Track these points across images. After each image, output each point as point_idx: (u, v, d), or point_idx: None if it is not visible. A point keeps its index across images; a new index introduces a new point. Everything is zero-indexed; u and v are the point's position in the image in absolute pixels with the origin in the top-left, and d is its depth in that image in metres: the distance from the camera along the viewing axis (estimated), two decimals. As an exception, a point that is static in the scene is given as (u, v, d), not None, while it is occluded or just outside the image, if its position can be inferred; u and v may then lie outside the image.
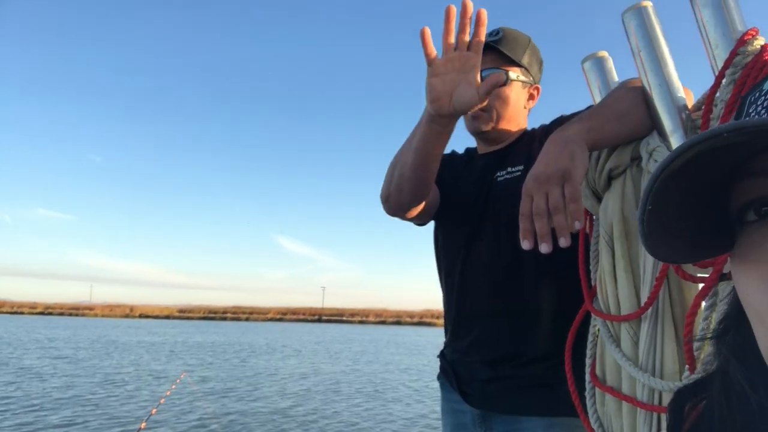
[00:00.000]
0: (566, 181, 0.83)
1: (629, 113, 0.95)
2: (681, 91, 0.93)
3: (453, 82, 1.05)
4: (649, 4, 0.95)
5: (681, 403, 0.39)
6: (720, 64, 0.77)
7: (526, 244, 0.85)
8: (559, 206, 0.82)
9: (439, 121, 1.12)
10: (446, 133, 1.18)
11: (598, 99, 1.11)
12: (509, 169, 1.41)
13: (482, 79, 1.39)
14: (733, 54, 0.75)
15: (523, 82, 1.44)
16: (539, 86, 1.52)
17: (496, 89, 1.40)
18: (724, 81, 0.76)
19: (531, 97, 1.50)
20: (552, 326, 1.33)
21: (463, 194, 1.49)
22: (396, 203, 1.37)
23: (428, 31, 1.02)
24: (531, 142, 1.45)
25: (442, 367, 1.57)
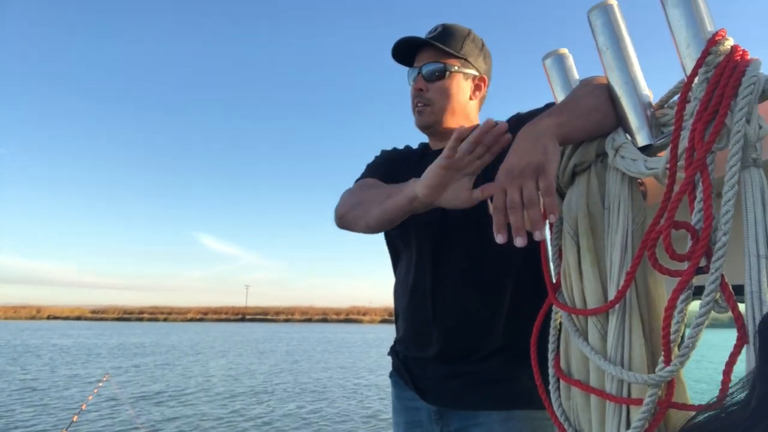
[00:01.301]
0: (540, 174, 0.83)
1: (597, 109, 0.97)
2: (646, 89, 0.95)
3: (453, 179, 1.03)
4: (614, 2, 0.96)
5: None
6: (691, 63, 0.79)
7: (500, 238, 0.84)
8: (533, 199, 0.82)
9: (421, 205, 1.13)
10: (421, 211, 1.18)
11: (559, 95, 1.12)
12: None
13: (421, 71, 1.42)
14: (705, 53, 0.77)
15: (464, 73, 1.46)
16: (486, 77, 1.54)
17: (436, 82, 1.42)
18: (697, 79, 0.78)
19: (477, 88, 1.52)
20: (509, 322, 1.35)
21: None
22: (349, 229, 1.40)
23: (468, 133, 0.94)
24: None
25: (394, 365, 1.55)
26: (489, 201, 1.33)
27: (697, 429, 0.34)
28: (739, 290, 0.75)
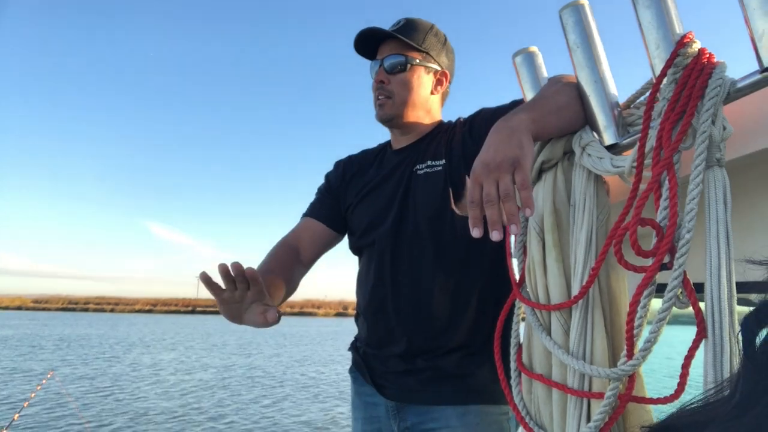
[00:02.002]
0: (516, 168, 0.83)
1: (567, 107, 0.98)
2: (614, 88, 0.97)
3: (239, 309, 1.16)
4: (585, 2, 0.97)
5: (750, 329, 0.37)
6: (660, 64, 0.80)
7: (476, 232, 0.83)
8: (510, 193, 0.82)
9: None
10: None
11: (528, 92, 1.13)
12: (429, 163, 1.42)
13: (383, 64, 1.42)
14: (674, 55, 0.78)
15: (425, 66, 1.47)
16: (448, 72, 1.55)
17: (398, 75, 1.43)
18: (665, 80, 0.79)
19: (439, 82, 1.53)
20: (468, 317, 1.36)
21: (378, 189, 1.50)
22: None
23: (207, 277, 1.10)
24: (450, 134, 1.46)
25: (354, 361, 1.56)
26: (452, 201, 1.35)
27: (679, 420, 0.34)
28: (698, 288, 0.77)
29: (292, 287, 1.45)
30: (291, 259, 1.49)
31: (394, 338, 1.41)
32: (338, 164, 1.67)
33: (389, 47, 1.47)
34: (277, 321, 1.15)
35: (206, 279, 1.10)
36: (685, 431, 0.33)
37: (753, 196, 0.89)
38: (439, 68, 1.51)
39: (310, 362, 15.70)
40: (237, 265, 1.10)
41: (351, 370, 1.58)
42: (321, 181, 1.70)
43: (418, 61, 1.46)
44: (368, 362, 1.48)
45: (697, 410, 0.35)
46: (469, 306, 1.36)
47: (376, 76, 1.47)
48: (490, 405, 1.34)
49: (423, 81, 1.48)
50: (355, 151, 1.70)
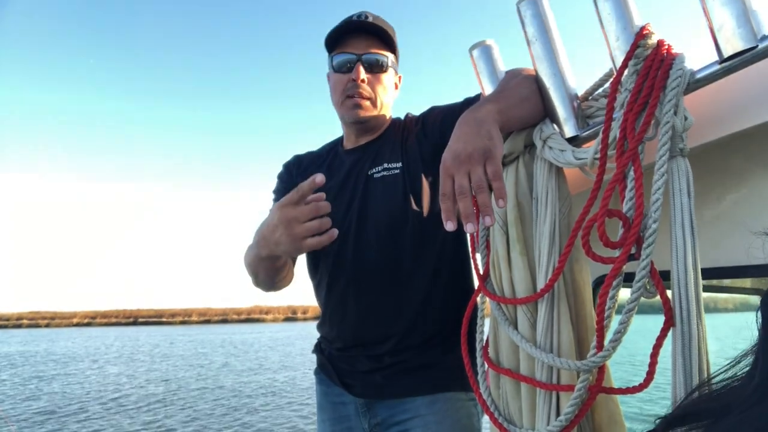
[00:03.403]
0: (488, 159, 0.82)
1: (528, 99, 0.98)
2: (573, 81, 0.97)
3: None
4: None
5: None
6: (621, 55, 0.81)
7: (450, 225, 0.82)
8: (482, 184, 0.80)
9: (267, 258, 1.21)
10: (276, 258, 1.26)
11: (486, 85, 1.12)
12: (386, 165, 1.40)
13: (363, 60, 1.37)
14: (634, 46, 0.79)
15: (394, 69, 1.46)
16: (401, 75, 1.54)
17: (378, 75, 1.39)
18: (626, 71, 0.80)
19: (396, 86, 1.52)
20: (433, 315, 1.36)
21: (333, 196, 1.44)
22: (272, 290, 1.46)
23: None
24: (404, 133, 1.44)
25: (319, 362, 1.54)
26: (413, 203, 1.33)
27: (696, 406, 0.33)
28: (664, 275, 0.78)
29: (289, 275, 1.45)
30: None
31: (358, 340, 1.40)
32: (288, 164, 1.62)
33: (367, 43, 1.37)
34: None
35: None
36: (705, 417, 0.32)
37: (712, 184, 0.91)
38: (397, 69, 1.49)
39: (265, 370, 15.38)
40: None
41: (316, 372, 1.56)
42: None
43: (391, 61, 1.42)
44: (334, 363, 1.47)
45: (715, 394, 0.34)
46: (432, 303, 1.36)
47: (355, 73, 1.36)
48: (459, 392, 1.36)
49: (392, 83, 1.46)
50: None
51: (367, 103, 1.39)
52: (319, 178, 1.01)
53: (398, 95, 1.54)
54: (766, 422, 0.27)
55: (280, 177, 1.61)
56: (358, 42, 1.38)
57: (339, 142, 1.57)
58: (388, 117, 1.50)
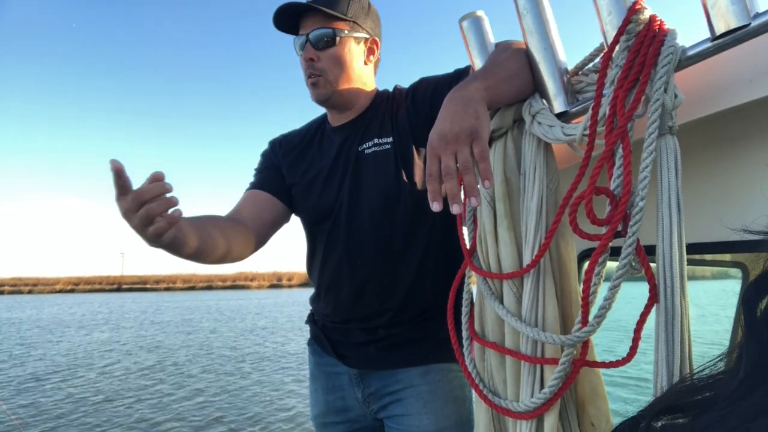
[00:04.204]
0: (474, 139, 0.81)
1: (518, 74, 0.96)
2: (563, 55, 0.96)
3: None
4: None
5: (752, 300, 0.36)
6: (613, 30, 0.80)
7: (436, 206, 0.81)
8: (469, 165, 0.80)
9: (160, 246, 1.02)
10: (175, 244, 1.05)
11: (476, 57, 1.11)
12: (376, 141, 1.38)
13: (310, 39, 1.34)
14: (626, 22, 0.78)
15: (355, 37, 1.40)
16: (377, 39, 1.48)
17: (327, 50, 1.34)
18: (618, 47, 0.79)
19: (370, 51, 1.46)
20: (425, 288, 1.38)
21: (325, 174, 1.44)
22: (233, 261, 1.30)
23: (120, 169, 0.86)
24: (393, 106, 1.42)
25: (313, 333, 1.57)
26: (404, 177, 1.32)
27: (679, 400, 0.34)
28: (648, 250, 0.79)
29: (224, 243, 1.23)
30: (228, 222, 1.31)
31: (353, 313, 1.42)
32: (273, 143, 1.58)
33: (313, 20, 1.35)
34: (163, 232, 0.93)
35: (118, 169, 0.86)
36: (689, 411, 0.33)
37: (700, 161, 0.91)
38: (368, 36, 1.43)
39: (260, 336, 15.44)
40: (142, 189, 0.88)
41: (309, 342, 1.58)
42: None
43: (346, 32, 1.37)
44: (328, 335, 1.49)
45: (699, 387, 0.34)
46: (425, 277, 1.37)
47: (304, 54, 1.36)
48: (452, 363, 1.38)
49: (354, 53, 1.40)
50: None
51: (322, 80, 1.36)
52: (157, 175, 0.90)
53: (377, 60, 1.49)
54: (752, 417, 0.27)
55: (264, 155, 1.58)
56: (307, 21, 1.37)
57: (324, 119, 1.54)
58: (366, 89, 1.45)
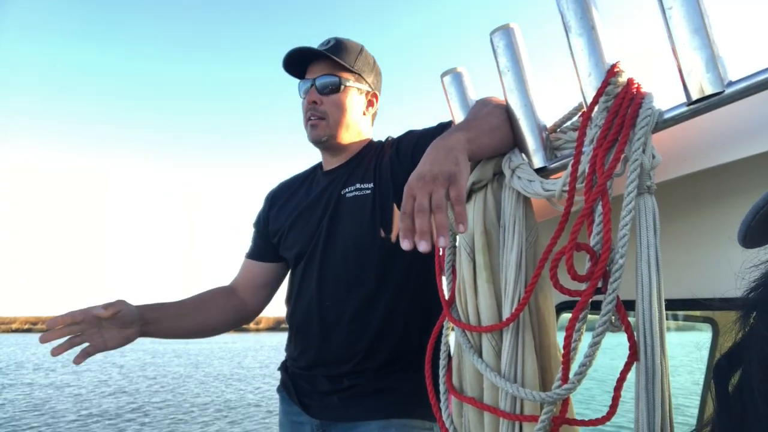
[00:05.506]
0: (451, 183, 0.82)
1: (499, 129, 0.98)
2: (542, 113, 0.98)
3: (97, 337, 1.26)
4: (516, 26, 0.99)
5: (723, 374, 0.36)
6: (592, 91, 0.82)
7: (406, 244, 0.81)
8: (441, 205, 0.80)
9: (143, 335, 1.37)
10: (168, 320, 1.43)
11: (456, 111, 1.13)
12: (358, 186, 1.43)
13: (316, 84, 1.41)
14: (605, 83, 0.80)
15: (357, 88, 1.47)
16: (378, 93, 1.57)
17: (331, 96, 1.41)
18: (597, 107, 0.81)
19: (370, 103, 1.55)
20: (394, 338, 1.36)
21: (306, 213, 1.49)
22: (213, 335, 1.60)
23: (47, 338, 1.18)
24: (378, 154, 1.47)
25: (282, 380, 1.56)
26: (380, 225, 1.34)
27: None
28: (627, 305, 0.79)
29: (208, 318, 1.52)
30: (216, 295, 1.57)
31: (319, 359, 1.41)
32: (267, 197, 1.68)
33: (321, 67, 1.45)
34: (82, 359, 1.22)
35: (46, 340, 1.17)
36: None
37: (674, 219, 0.93)
38: (369, 89, 1.53)
39: (228, 385, 14.91)
40: (62, 319, 1.18)
41: (279, 390, 1.57)
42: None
43: (350, 81, 1.46)
44: (295, 382, 1.48)
45: None
46: (395, 326, 1.36)
47: (308, 96, 1.45)
48: (415, 419, 1.35)
49: (355, 102, 1.49)
50: None
51: (323, 122, 1.45)
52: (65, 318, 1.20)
53: (375, 112, 1.59)
54: None
55: (258, 215, 1.69)
56: (316, 67, 1.47)
57: (320, 165, 1.61)
58: (360, 138, 1.53)
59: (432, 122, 1.42)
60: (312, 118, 1.45)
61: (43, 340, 1.15)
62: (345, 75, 1.46)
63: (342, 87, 1.44)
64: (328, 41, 1.47)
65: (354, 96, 1.48)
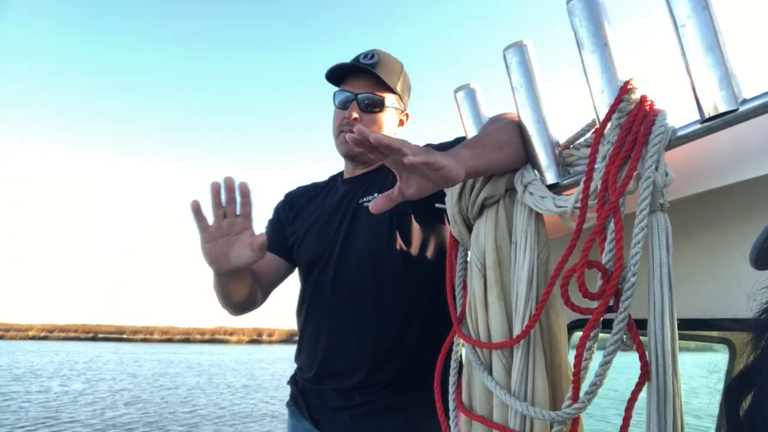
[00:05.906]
0: (419, 149, 0.81)
1: (509, 145, 0.98)
2: (555, 129, 0.98)
3: (226, 244, 1.17)
4: (529, 42, 0.99)
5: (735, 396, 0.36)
6: (605, 108, 0.82)
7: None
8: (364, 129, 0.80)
9: (225, 276, 1.26)
10: (238, 279, 1.31)
11: (469, 127, 1.13)
12: (376, 195, 1.43)
13: (358, 100, 1.40)
14: (618, 100, 0.80)
15: (396, 108, 1.49)
16: (408, 113, 1.59)
17: (371, 114, 1.41)
18: (609, 124, 0.81)
19: (401, 122, 1.57)
20: (406, 353, 1.35)
21: (324, 220, 1.49)
22: (238, 314, 1.48)
23: (198, 205, 1.13)
24: None
25: (292, 394, 1.55)
26: (398, 235, 1.33)
27: None
28: (639, 324, 0.78)
29: (253, 297, 1.46)
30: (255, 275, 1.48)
31: (331, 373, 1.40)
32: (287, 196, 1.67)
33: (364, 83, 1.44)
34: (264, 248, 1.16)
35: (197, 208, 1.11)
36: None
37: (688, 237, 0.92)
38: (403, 109, 1.54)
39: (241, 398, 14.91)
40: (229, 181, 1.11)
41: (288, 404, 1.56)
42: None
43: (391, 102, 1.46)
44: (306, 396, 1.47)
45: None
46: (406, 341, 1.35)
47: (349, 111, 1.44)
48: None
49: (391, 121, 1.49)
50: None
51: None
52: (258, 242, 1.16)
53: (403, 132, 1.60)
54: None
55: (276, 209, 1.68)
56: (358, 81, 1.45)
57: (341, 173, 1.62)
58: None
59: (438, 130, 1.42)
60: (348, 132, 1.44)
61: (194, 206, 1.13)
62: (387, 95, 1.45)
63: (384, 108, 1.45)
64: (372, 55, 1.45)
65: (391, 116, 1.49)
